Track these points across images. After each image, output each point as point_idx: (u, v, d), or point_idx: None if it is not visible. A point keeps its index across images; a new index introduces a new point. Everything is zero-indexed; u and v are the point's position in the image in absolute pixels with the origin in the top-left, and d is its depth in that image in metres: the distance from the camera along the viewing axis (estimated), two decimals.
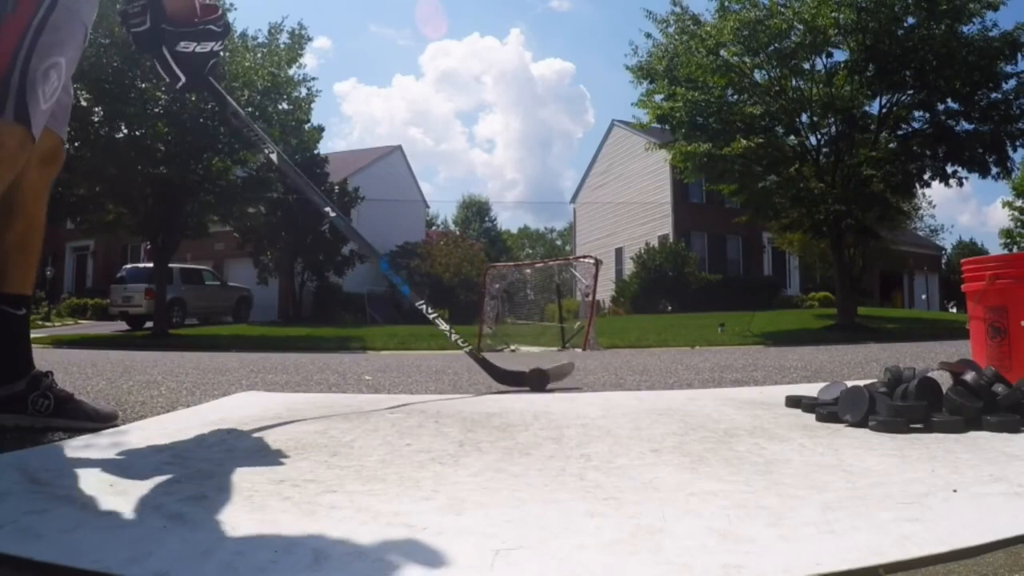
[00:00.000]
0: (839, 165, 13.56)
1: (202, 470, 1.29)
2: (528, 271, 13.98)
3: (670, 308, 23.11)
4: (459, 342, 2.63)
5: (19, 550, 0.85)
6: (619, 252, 28.86)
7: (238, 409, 2.15)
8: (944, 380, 1.82)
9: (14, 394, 1.72)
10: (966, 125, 13.42)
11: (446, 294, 26.42)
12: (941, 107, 13.36)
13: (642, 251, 25.22)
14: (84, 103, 11.85)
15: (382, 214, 27.25)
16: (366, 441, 1.58)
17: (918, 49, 12.42)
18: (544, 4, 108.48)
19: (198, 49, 1.83)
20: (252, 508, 1.04)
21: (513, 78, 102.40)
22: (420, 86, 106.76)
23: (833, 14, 12.42)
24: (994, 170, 13.45)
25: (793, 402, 2.06)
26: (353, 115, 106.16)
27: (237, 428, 1.76)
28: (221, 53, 1.95)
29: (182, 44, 1.81)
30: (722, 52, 13.32)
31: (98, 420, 1.81)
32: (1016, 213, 28.91)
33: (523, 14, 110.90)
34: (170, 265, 15.08)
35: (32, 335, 1.88)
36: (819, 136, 14.01)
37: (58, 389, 1.79)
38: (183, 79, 1.86)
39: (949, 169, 13.75)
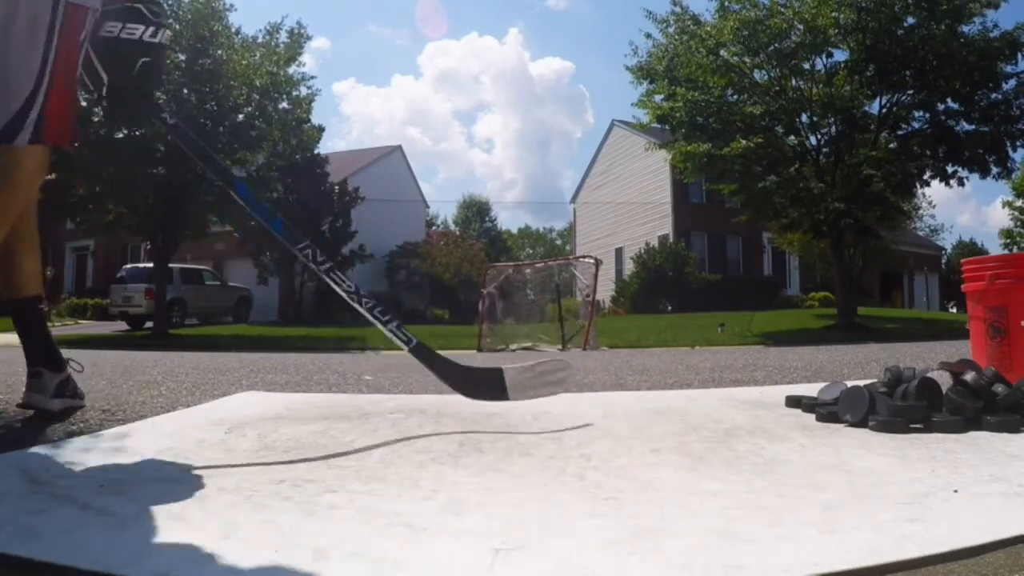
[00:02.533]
0: (839, 165, 13.57)
1: (202, 470, 1.29)
2: (528, 271, 13.97)
3: (670, 308, 23.11)
4: (396, 333, 1.84)
5: (19, 550, 0.85)
6: (619, 252, 28.85)
7: (238, 409, 2.15)
8: (944, 380, 1.82)
9: (64, 379, 1.92)
10: (966, 125, 13.42)
11: (446, 294, 26.42)
12: (941, 107, 13.36)
13: (642, 251, 25.21)
14: (84, 103, 11.83)
15: (382, 214, 27.24)
16: (366, 441, 1.58)
17: (918, 49, 12.42)
18: (541, 3, 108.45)
19: (123, 34, 1.54)
20: (252, 508, 1.04)
21: (512, 78, 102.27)
22: (419, 86, 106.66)
23: (833, 14, 12.43)
24: (994, 170, 13.46)
25: (793, 402, 2.06)
26: (352, 115, 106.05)
27: (237, 428, 1.76)
28: (159, 56, 1.63)
29: (106, 26, 1.54)
30: (722, 52, 13.32)
31: (81, 398, 2.04)
32: (1016, 213, 28.89)
33: (521, 13, 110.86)
34: (170, 265, 15.06)
35: None
36: (819, 136, 14.02)
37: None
38: (105, 79, 1.56)
39: (949, 169, 13.76)
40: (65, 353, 2.02)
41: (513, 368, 1.77)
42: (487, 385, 1.77)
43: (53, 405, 1.88)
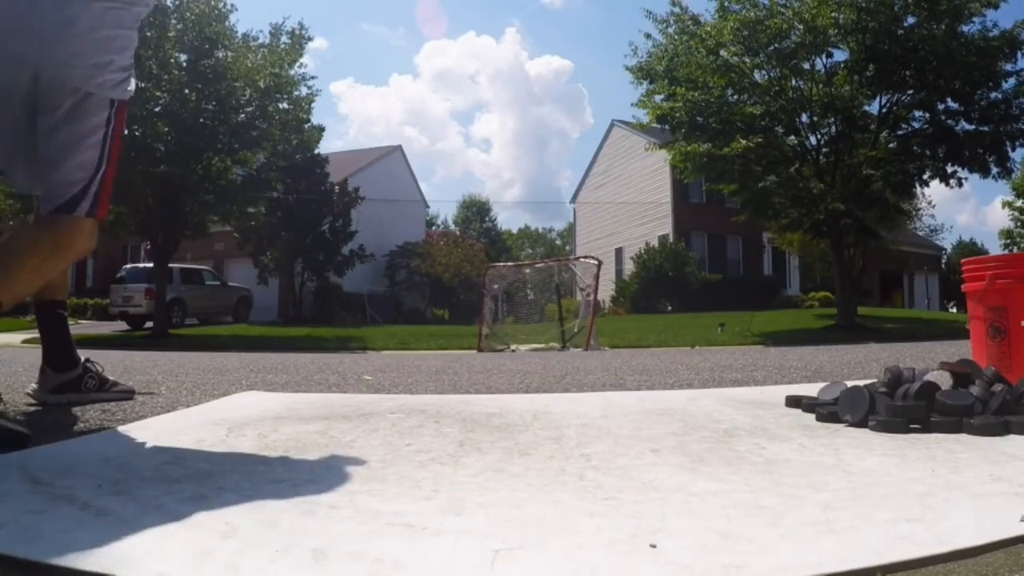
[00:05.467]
0: (839, 165, 13.57)
1: (202, 470, 1.29)
2: (528, 271, 13.98)
3: (670, 308, 23.10)
4: None
5: (19, 550, 0.85)
6: (619, 252, 28.85)
7: (238, 409, 2.15)
8: (944, 380, 1.82)
9: (73, 378, 2.24)
10: (966, 125, 13.42)
11: (446, 294, 26.42)
12: (941, 107, 13.36)
13: (642, 251, 25.21)
14: None
15: (382, 214, 27.24)
16: (366, 441, 1.58)
17: (918, 49, 12.42)
18: (536, 2, 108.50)
19: None
20: (252, 508, 1.04)
21: (509, 77, 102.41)
22: (416, 85, 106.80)
23: (833, 14, 12.43)
24: (994, 170, 13.45)
25: (793, 402, 2.06)
26: (349, 115, 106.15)
27: (237, 428, 1.76)
28: None
29: None
30: (722, 52, 13.33)
31: (128, 395, 2.42)
32: (1016, 213, 28.90)
33: (517, 12, 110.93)
34: (170, 265, 15.06)
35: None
36: (819, 136, 14.01)
37: (98, 371, 2.34)
38: None
39: (949, 169, 13.76)
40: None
41: None
42: None
43: (49, 399, 2.21)
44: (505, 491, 1.14)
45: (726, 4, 13.28)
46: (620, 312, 23.86)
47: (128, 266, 19.01)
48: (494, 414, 1.97)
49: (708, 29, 13.29)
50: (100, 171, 1.75)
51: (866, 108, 13.71)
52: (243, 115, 12.98)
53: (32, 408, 2.18)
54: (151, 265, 15.17)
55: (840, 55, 13.49)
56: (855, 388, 1.82)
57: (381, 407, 2.15)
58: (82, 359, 2.31)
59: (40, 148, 1.71)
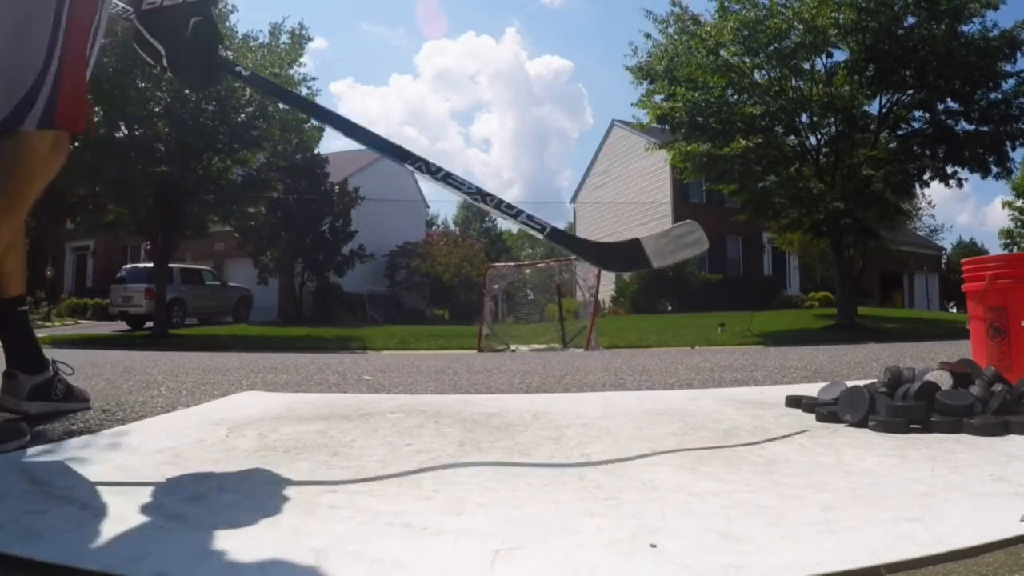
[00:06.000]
0: (839, 165, 13.57)
1: (202, 470, 1.29)
2: (528, 271, 14.00)
3: (670, 308, 23.11)
4: (528, 223, 1.73)
5: (19, 550, 0.85)
6: None
7: (238, 409, 2.15)
8: (944, 380, 1.82)
9: (46, 381, 1.89)
10: (966, 125, 13.43)
11: (446, 294, 26.41)
12: (941, 107, 13.37)
13: None
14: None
15: (382, 214, 27.23)
16: (366, 441, 1.58)
17: (918, 49, 12.43)
18: (536, 2, 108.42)
19: (167, 2, 1.48)
20: (252, 508, 1.04)
21: (510, 77, 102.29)
22: (416, 85, 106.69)
23: (833, 14, 12.43)
24: (994, 170, 13.46)
25: (793, 402, 2.06)
26: (349, 115, 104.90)
27: (237, 428, 1.76)
28: (209, 11, 1.56)
29: (146, 1, 1.46)
30: (722, 52, 13.33)
31: (85, 401, 2.06)
32: (1016, 213, 28.89)
33: (517, 12, 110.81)
34: (170, 265, 15.07)
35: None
36: (819, 136, 14.02)
37: (64, 377, 1.99)
38: (161, 51, 1.48)
39: (949, 169, 13.77)
40: (64, 354, 2.02)
41: (650, 236, 1.81)
42: (626, 256, 1.84)
43: (29, 408, 1.83)
44: (505, 491, 1.14)
45: (726, 4, 13.28)
46: (620, 312, 23.86)
47: (128, 266, 19.02)
48: (494, 414, 1.97)
49: (708, 29, 13.30)
50: (50, 68, 1.39)
51: (866, 108, 13.73)
52: (243, 115, 13.00)
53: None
54: (151, 265, 15.18)
55: (840, 55, 13.53)
56: (855, 388, 1.82)
57: (381, 407, 2.15)
58: (50, 360, 1.97)
59: None
